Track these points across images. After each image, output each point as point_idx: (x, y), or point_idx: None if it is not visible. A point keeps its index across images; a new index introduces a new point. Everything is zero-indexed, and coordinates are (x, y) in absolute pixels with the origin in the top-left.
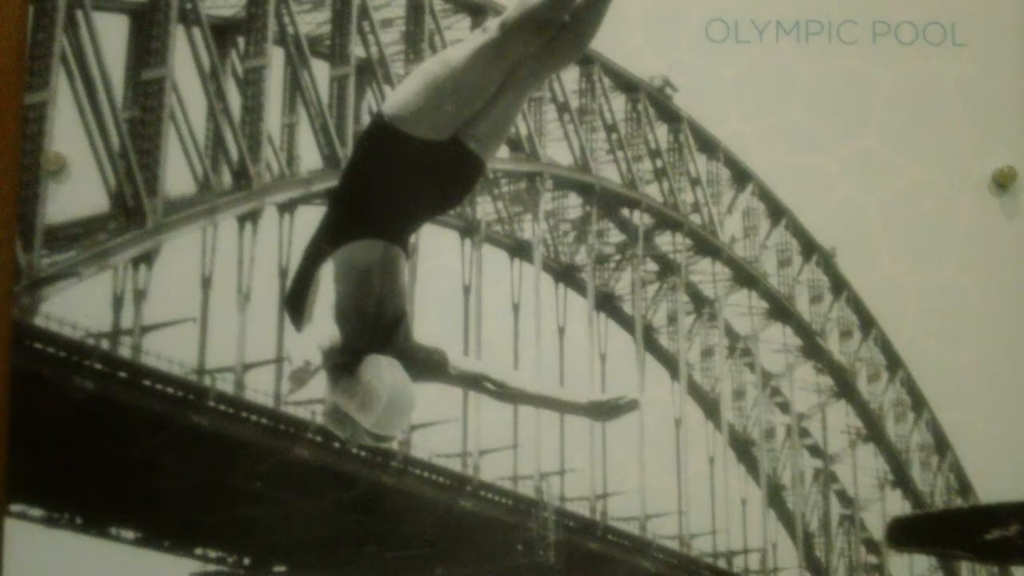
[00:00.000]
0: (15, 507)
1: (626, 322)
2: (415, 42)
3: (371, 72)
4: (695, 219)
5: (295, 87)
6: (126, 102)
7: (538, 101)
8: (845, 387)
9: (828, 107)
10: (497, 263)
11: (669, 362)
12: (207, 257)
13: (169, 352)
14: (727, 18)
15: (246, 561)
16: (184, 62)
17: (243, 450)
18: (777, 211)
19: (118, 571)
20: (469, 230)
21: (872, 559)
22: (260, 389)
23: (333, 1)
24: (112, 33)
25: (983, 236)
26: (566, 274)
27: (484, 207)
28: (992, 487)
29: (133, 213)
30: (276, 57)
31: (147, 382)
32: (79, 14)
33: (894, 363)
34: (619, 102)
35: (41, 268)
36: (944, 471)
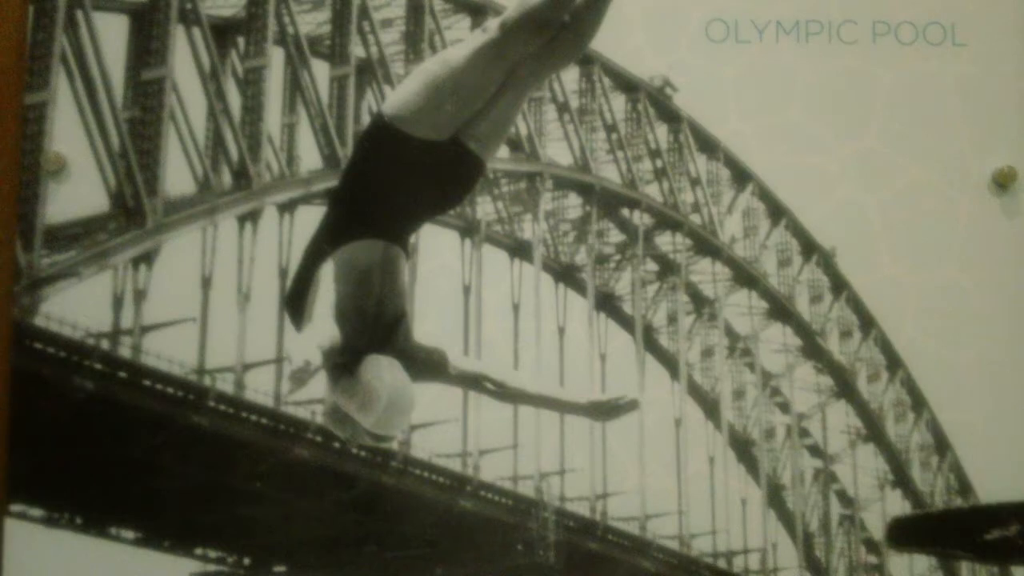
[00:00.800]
0: (15, 507)
1: (626, 322)
2: (415, 42)
3: (371, 72)
4: (695, 219)
5: (295, 87)
6: (126, 102)
7: (538, 101)
8: (845, 387)
9: (828, 107)
10: (497, 263)
11: (669, 362)
12: (207, 257)
13: (169, 352)
14: (727, 18)
15: (246, 561)
16: (184, 62)
17: (243, 450)
18: (777, 211)
19: (118, 571)
20: (469, 230)
21: (872, 559)
22: (260, 389)
23: (333, 1)
24: (112, 33)
25: (983, 236)
26: (566, 274)
27: (484, 207)
28: (992, 487)
29: (133, 213)
30: (276, 57)
31: (147, 382)
32: (79, 14)
33: (894, 363)
34: (619, 102)
35: (41, 268)
36: (944, 471)
